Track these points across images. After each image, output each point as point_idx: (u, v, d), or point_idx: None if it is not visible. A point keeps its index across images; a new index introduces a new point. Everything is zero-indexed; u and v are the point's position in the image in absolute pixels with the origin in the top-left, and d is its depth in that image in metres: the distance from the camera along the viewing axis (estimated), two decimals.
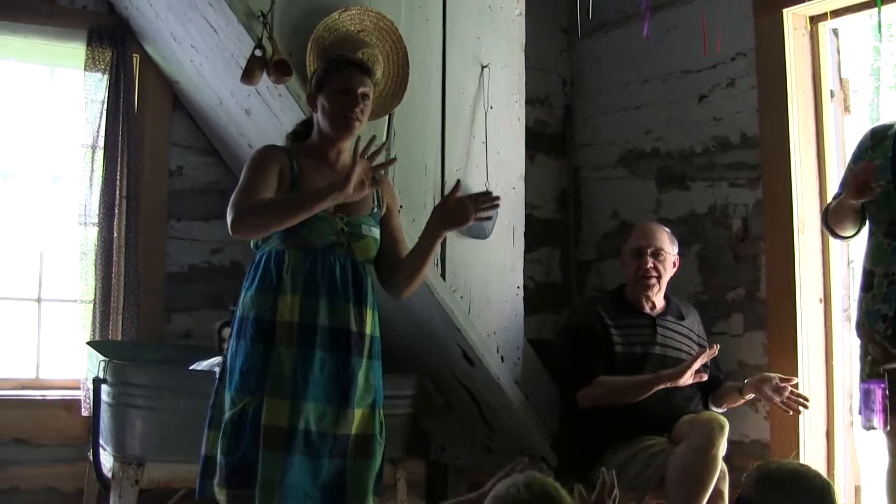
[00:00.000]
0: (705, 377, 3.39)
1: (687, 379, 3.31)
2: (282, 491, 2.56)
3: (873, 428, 2.96)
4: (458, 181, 2.82)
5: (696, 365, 3.30)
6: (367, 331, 2.73)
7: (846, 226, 3.16)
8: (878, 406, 2.93)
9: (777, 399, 3.40)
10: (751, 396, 3.51)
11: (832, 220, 3.17)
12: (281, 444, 2.58)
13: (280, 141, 2.94)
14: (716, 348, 3.38)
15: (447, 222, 2.74)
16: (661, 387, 3.33)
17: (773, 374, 3.47)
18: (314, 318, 2.65)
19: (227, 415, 2.64)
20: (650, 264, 3.56)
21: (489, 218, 3.40)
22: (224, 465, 2.60)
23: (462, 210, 2.71)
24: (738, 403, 3.55)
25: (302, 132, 2.88)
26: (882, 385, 2.92)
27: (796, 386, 3.45)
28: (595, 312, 3.59)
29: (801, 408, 3.42)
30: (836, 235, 3.27)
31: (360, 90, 2.74)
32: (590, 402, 3.44)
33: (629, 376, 3.43)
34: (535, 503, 1.85)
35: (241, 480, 2.58)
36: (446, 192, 3.42)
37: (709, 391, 3.58)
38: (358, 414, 2.69)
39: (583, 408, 3.46)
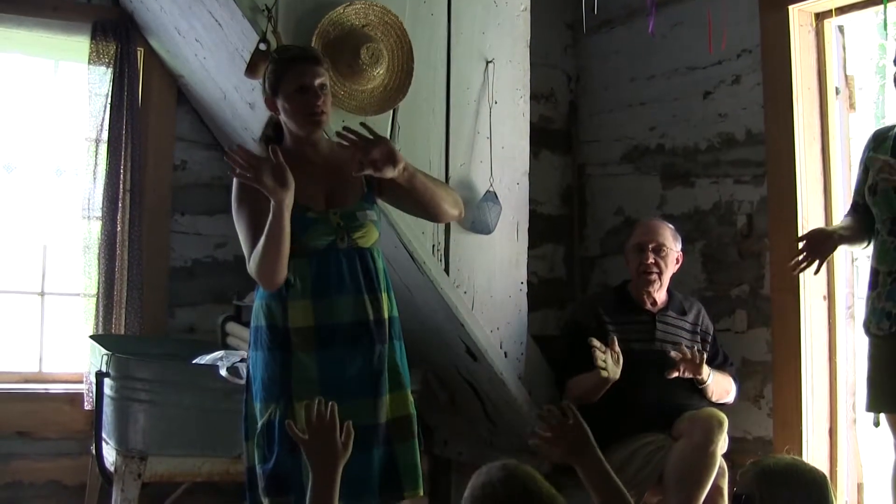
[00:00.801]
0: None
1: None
2: None
3: None
4: None
5: (599, 362, 3.27)
6: (385, 315, 2.73)
7: (854, 246, 3.22)
8: None
9: (692, 363, 3.37)
10: (704, 371, 3.42)
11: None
12: None
13: None
14: (615, 343, 3.33)
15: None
16: (608, 383, 3.31)
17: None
18: (331, 317, 2.66)
19: (258, 424, 2.66)
20: (651, 260, 3.56)
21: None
22: (262, 475, 2.62)
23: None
24: (708, 385, 3.46)
25: (273, 135, 2.81)
26: None
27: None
28: (593, 310, 3.60)
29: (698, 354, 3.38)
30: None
31: (316, 82, 2.68)
32: (573, 402, 3.44)
33: (586, 376, 3.40)
34: (512, 502, 1.81)
35: (278, 488, 2.60)
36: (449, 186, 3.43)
37: None
38: (391, 398, 2.71)
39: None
